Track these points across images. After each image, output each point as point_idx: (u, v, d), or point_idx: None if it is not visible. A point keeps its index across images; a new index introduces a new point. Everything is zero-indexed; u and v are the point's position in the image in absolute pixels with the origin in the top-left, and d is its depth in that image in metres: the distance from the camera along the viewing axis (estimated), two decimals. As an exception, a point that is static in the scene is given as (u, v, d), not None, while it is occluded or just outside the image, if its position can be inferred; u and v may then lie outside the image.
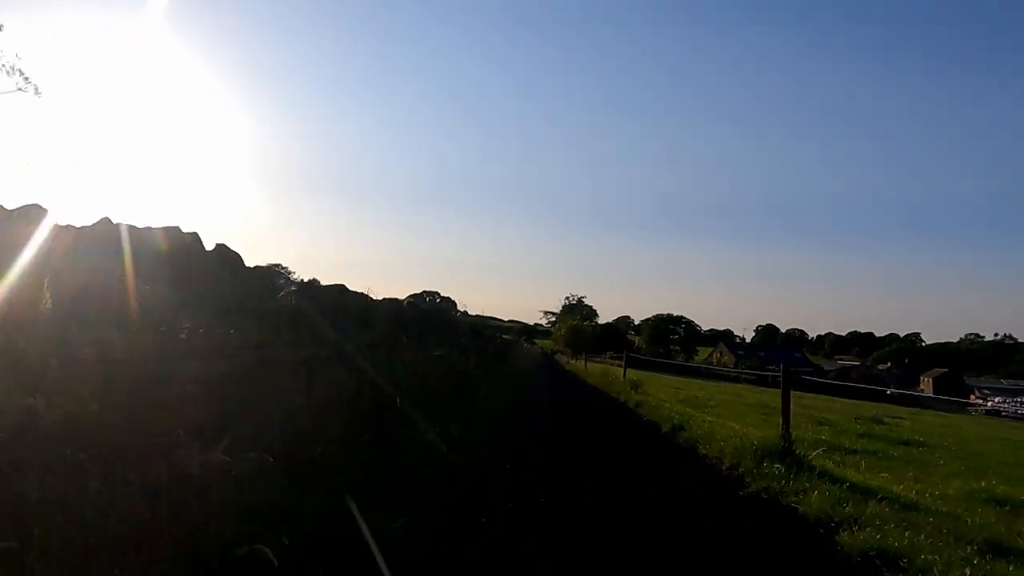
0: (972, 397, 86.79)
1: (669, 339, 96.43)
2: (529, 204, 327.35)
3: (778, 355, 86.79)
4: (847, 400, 31.06)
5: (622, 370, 20.98)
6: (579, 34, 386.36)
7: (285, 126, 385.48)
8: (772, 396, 24.24)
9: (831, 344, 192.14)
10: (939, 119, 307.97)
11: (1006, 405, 72.17)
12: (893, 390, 73.50)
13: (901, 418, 16.47)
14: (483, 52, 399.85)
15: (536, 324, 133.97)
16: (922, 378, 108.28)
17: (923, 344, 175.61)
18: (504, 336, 38.40)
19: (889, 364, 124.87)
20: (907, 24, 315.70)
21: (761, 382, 62.08)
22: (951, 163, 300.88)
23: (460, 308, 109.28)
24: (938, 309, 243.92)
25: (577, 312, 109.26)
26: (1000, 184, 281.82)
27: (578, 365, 39.25)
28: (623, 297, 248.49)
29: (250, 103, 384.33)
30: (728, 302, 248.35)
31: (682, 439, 9.11)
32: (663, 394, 16.63)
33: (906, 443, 10.52)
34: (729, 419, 11.67)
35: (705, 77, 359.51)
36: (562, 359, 63.23)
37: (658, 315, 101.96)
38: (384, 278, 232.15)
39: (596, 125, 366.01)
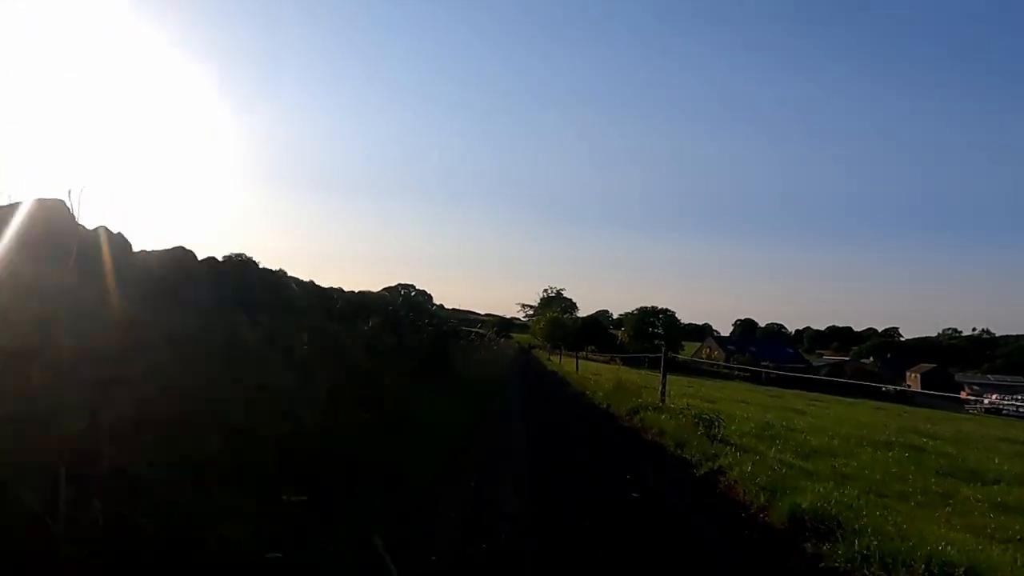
0: (964, 393, 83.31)
1: (654, 333, 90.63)
2: (508, 199, 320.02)
3: (770, 351, 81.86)
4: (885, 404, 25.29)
5: (637, 375, 14.10)
6: (555, 28, 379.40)
7: (263, 115, 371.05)
8: (895, 417, 17.52)
9: (810, 339, 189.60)
10: (909, 117, 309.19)
11: (1006, 403, 68.64)
12: (889, 387, 69.19)
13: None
14: (465, 42, 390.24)
15: (513, 318, 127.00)
16: (908, 373, 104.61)
17: (902, 339, 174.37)
18: (473, 328, 31.43)
19: (872, 359, 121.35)
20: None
21: (755, 379, 56.88)
22: (923, 162, 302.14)
23: (436, 302, 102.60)
24: (910, 303, 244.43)
25: (556, 305, 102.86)
26: (975, 181, 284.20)
27: (566, 365, 32.37)
28: (599, 291, 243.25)
29: (224, 89, 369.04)
30: (702, 297, 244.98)
31: None
32: (730, 424, 9.74)
33: None
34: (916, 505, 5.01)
35: (675, 75, 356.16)
36: (541, 355, 56.69)
37: (642, 308, 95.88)
38: (360, 271, 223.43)
39: (571, 122, 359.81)
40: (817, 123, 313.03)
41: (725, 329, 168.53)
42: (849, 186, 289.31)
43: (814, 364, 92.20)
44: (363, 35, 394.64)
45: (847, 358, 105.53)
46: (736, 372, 62.06)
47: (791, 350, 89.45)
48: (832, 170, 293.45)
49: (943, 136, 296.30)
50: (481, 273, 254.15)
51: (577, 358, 23.77)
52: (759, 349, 78.60)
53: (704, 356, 74.18)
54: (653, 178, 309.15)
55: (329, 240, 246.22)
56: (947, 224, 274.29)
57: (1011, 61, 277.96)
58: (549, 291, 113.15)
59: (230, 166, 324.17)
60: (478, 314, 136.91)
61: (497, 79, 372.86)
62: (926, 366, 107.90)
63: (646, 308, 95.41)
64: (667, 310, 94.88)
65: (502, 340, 32.54)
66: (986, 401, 71.44)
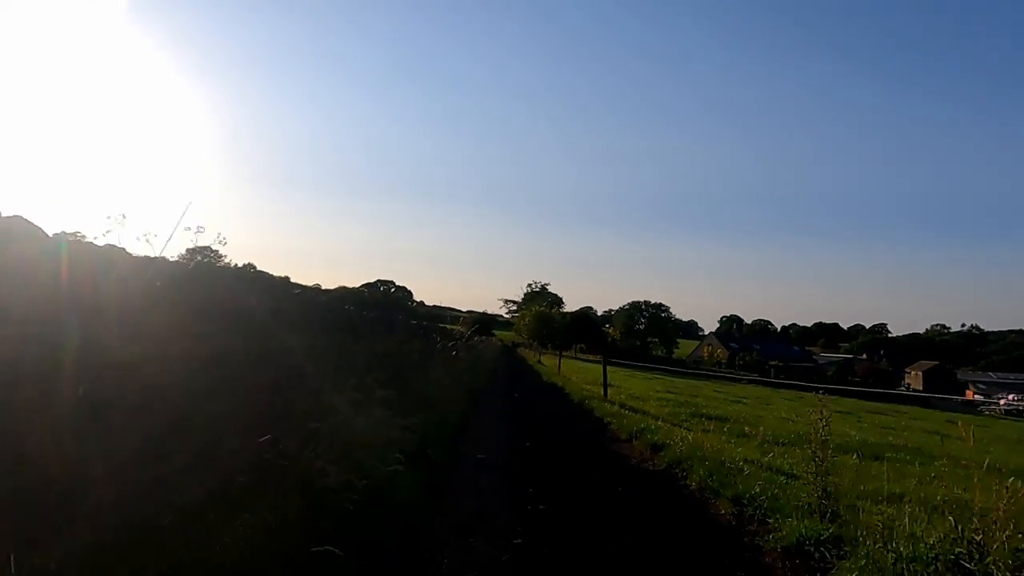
0: (969, 393, 78.30)
1: (648, 331, 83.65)
2: (488, 197, 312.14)
3: (774, 348, 75.49)
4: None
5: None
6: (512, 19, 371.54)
7: (235, 111, 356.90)
8: None
9: (796, 335, 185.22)
10: (891, 116, 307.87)
11: (1025, 404, 63.14)
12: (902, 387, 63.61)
13: None
14: (442, 40, 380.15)
15: (495, 315, 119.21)
16: (908, 371, 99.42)
17: (890, 335, 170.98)
18: (445, 326, 23.74)
19: (866, 356, 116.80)
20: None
21: (763, 381, 50.20)
22: (905, 160, 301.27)
23: (417, 298, 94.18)
24: (893, 300, 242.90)
25: (541, 300, 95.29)
26: (959, 180, 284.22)
27: (570, 374, 24.43)
28: (580, 289, 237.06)
29: (200, 85, 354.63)
30: (684, 293, 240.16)
31: None
32: None
33: None
34: None
35: (647, 75, 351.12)
36: (529, 356, 48.95)
37: (633, 302, 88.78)
38: (342, 268, 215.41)
39: (551, 120, 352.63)
40: (798, 122, 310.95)
41: (710, 326, 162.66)
42: (831, 184, 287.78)
43: (819, 362, 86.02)
44: (336, 33, 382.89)
45: (850, 356, 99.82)
46: (742, 377, 55.49)
47: (796, 348, 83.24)
48: (814, 169, 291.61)
49: (924, 135, 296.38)
50: (461, 269, 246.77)
51: (605, 369, 14.25)
52: (764, 347, 72.00)
53: (706, 355, 67.42)
54: (633, 176, 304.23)
55: (305, 238, 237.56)
56: (927, 221, 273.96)
57: (992, 60, 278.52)
58: (533, 285, 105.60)
59: (201, 161, 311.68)
60: (459, 311, 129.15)
61: (476, 77, 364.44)
62: (927, 363, 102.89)
63: (637, 303, 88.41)
64: (660, 304, 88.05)
65: (479, 340, 25.17)
66: (1002, 402, 65.85)
